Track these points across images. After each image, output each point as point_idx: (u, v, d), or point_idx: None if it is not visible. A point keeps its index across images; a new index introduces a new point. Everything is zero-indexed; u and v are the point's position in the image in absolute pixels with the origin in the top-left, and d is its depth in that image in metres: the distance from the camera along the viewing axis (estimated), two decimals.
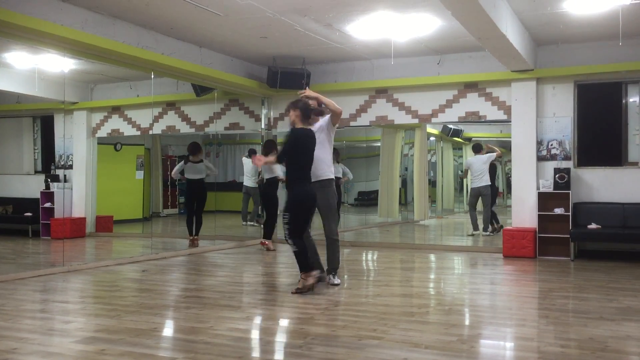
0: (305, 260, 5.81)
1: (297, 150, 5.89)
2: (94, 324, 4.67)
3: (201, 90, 10.10)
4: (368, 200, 13.47)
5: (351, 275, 7.33)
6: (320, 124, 6.26)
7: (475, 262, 8.17)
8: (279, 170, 9.00)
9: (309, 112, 5.98)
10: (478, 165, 10.86)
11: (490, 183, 10.89)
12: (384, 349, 3.92)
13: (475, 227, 10.93)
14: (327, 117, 6.27)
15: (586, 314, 4.96)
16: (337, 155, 10.35)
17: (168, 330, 4.64)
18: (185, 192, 10.24)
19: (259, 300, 5.60)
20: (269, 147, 9.07)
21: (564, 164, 8.64)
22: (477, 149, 11.06)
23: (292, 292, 5.75)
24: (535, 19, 7.47)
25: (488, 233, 10.76)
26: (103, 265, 7.76)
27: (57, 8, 6.69)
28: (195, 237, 9.62)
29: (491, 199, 11.04)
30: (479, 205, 11.11)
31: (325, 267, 6.28)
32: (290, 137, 5.93)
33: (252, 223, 12.24)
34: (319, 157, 6.07)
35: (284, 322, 4.89)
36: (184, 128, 11.14)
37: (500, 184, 15.46)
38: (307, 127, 5.96)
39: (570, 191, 8.39)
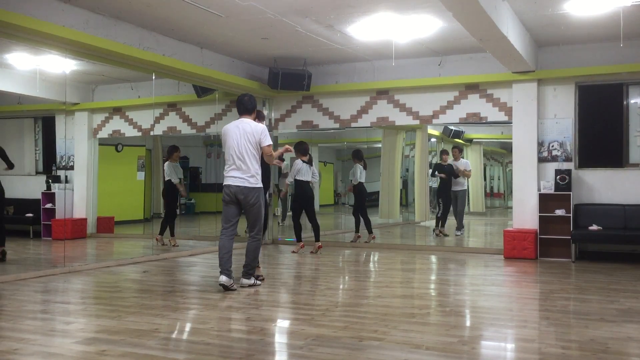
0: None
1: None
2: (95, 325, 4.67)
3: (202, 92, 10.11)
4: (369, 201, 13.43)
5: (352, 277, 7.33)
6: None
7: (476, 263, 8.17)
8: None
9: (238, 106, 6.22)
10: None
11: (465, 188, 11.32)
12: (384, 350, 3.92)
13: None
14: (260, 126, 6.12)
15: (587, 315, 4.96)
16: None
17: (169, 331, 4.63)
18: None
19: (260, 301, 5.60)
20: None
21: (565, 165, 8.65)
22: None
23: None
24: (536, 20, 7.47)
25: (437, 233, 11.14)
26: (104, 266, 7.77)
27: (59, 9, 6.70)
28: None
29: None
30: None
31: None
32: None
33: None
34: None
35: (284, 323, 4.89)
36: (185, 129, 11.14)
37: (501, 185, 15.46)
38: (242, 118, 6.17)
39: (571, 192, 8.39)
